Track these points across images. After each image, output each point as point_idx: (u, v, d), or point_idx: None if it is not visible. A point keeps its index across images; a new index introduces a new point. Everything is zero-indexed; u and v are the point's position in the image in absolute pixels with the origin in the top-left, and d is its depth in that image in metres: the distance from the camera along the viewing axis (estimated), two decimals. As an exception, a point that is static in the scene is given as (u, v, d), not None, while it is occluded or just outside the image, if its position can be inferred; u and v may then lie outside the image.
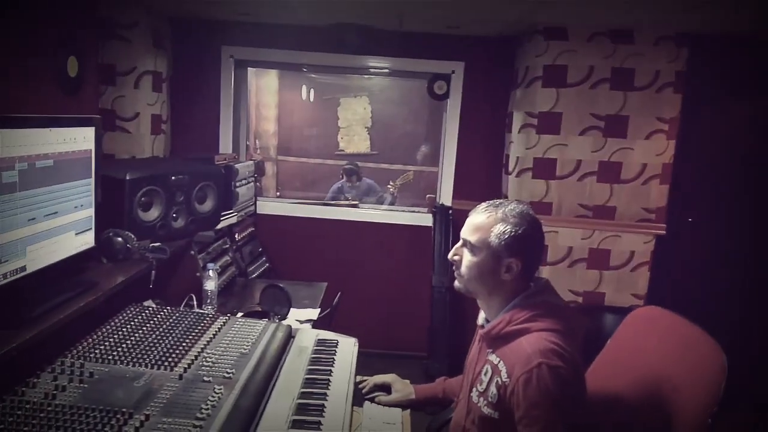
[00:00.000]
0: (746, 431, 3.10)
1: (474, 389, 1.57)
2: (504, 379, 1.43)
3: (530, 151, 3.32)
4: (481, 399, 1.52)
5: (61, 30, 2.70)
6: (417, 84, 4.37)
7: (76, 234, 1.85)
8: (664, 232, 3.31)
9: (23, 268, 1.58)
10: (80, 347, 1.70)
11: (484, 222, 1.53)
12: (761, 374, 3.19)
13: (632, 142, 3.25)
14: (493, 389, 1.47)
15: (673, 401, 1.40)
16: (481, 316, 1.67)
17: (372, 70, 4.09)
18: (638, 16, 2.92)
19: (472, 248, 1.54)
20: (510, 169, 3.46)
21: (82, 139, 1.82)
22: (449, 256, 1.63)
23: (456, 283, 1.63)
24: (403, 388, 1.89)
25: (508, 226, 1.49)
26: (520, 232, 1.49)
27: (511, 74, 3.54)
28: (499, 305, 1.56)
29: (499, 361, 1.48)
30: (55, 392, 1.44)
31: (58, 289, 1.72)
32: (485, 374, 1.53)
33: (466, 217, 1.61)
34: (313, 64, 3.97)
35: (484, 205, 1.57)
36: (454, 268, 1.62)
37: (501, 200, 1.58)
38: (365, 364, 2.22)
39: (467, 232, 1.56)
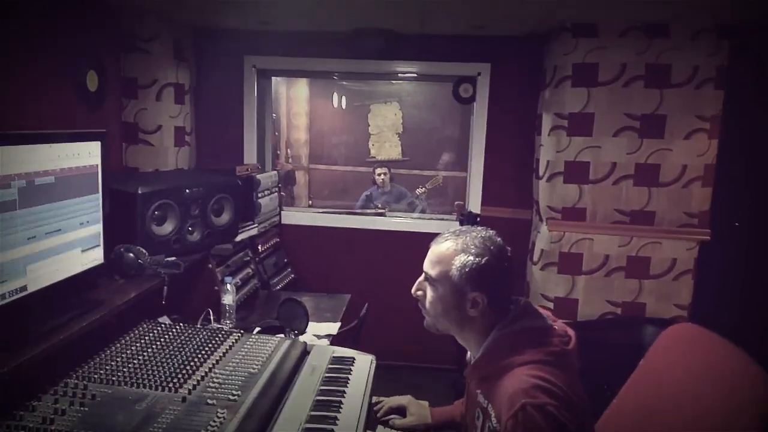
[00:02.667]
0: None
1: None
2: (494, 425, 1.30)
3: (561, 154, 3.17)
4: None
5: (79, 44, 2.71)
6: (446, 87, 4.26)
7: (83, 251, 1.81)
8: (709, 237, 3.09)
9: (24, 288, 1.55)
10: (86, 367, 1.67)
11: (445, 253, 1.41)
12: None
13: (671, 143, 3.05)
14: None
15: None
16: (469, 354, 1.55)
17: (397, 75, 4.00)
18: (674, 8, 2.73)
19: (434, 283, 1.43)
20: (540, 173, 3.31)
21: (87, 153, 1.79)
22: (412, 291, 1.51)
23: (425, 322, 1.51)
24: (418, 411, 1.78)
25: (470, 257, 1.37)
26: (482, 263, 1.37)
27: (540, 74, 3.40)
28: (476, 341, 1.44)
29: (487, 404, 1.35)
30: (53, 416, 1.40)
31: (63, 308, 1.69)
32: (478, 419, 1.40)
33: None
34: (335, 70, 3.91)
35: (446, 233, 1.46)
36: (419, 305, 1.51)
37: (465, 227, 1.47)
38: (394, 377, 2.14)
39: (428, 265, 1.45)
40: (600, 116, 3.08)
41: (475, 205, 3.72)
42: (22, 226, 1.53)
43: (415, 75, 3.91)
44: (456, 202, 3.91)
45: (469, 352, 1.53)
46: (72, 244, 1.75)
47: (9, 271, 1.49)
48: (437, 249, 1.44)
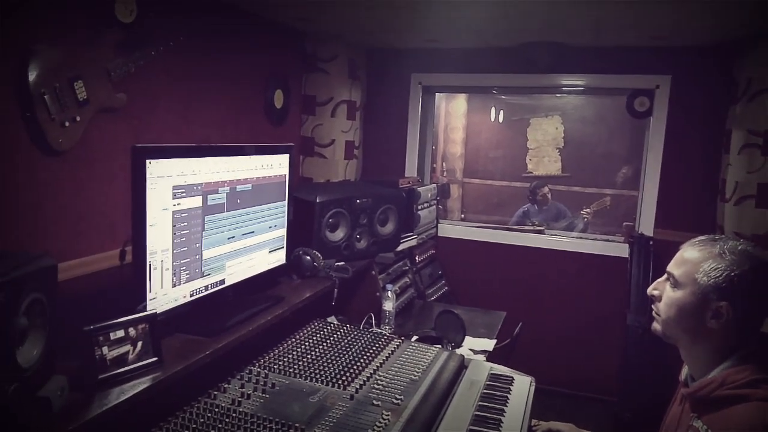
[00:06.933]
0: None
1: None
2: None
3: (753, 175, 2.84)
4: None
5: (271, 67, 3.03)
6: (615, 101, 4.05)
7: (269, 252, 2.01)
8: None
9: (222, 282, 1.76)
10: (267, 357, 1.84)
11: (695, 256, 1.30)
12: None
13: None
14: None
15: None
16: (684, 372, 1.43)
17: (564, 88, 3.89)
18: None
19: (675, 283, 1.33)
20: (727, 195, 2.99)
21: (278, 165, 1.99)
22: (648, 290, 1.42)
23: (653, 325, 1.41)
24: (582, 440, 1.70)
25: (723, 264, 1.25)
26: (737, 272, 1.24)
27: (729, 87, 3.08)
28: (705, 359, 1.31)
29: (706, 430, 1.24)
30: (240, 399, 1.57)
31: (251, 301, 1.88)
32: None
33: (669, 249, 1.41)
34: (500, 85, 3.90)
35: (700, 238, 1.35)
36: (652, 305, 1.42)
37: (722, 236, 1.34)
38: (545, 402, 2.07)
39: (673, 265, 1.36)
40: (804, 134, 2.72)
41: (647, 227, 3.46)
42: (226, 227, 1.74)
43: (586, 88, 3.77)
44: (625, 223, 3.67)
45: (685, 370, 1.43)
46: (262, 245, 1.95)
47: (212, 265, 1.71)
48: (688, 251, 1.35)
